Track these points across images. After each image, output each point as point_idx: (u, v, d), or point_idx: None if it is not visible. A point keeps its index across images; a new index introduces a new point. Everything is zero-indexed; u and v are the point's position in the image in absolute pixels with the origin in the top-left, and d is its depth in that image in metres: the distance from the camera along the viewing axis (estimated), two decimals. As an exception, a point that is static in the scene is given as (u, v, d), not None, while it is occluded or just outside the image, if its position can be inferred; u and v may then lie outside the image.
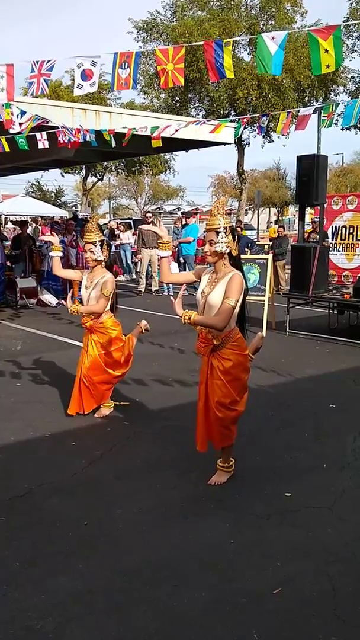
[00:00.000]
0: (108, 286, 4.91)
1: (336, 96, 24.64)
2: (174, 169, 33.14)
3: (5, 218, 24.61)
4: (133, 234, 16.82)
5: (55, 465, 4.20)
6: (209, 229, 3.62)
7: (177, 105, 24.75)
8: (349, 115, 7.74)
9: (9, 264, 12.34)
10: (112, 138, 8.59)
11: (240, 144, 25.10)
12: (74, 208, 38.74)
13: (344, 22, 20.81)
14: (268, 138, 25.47)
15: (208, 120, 11.78)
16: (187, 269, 13.63)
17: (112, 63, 5.77)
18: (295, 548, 3.15)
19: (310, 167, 8.83)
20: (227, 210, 4.18)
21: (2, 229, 17.32)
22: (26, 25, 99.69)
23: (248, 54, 23.74)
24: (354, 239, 9.68)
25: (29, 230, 14.99)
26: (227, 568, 2.98)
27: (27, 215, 23.55)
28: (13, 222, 23.38)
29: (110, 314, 5.10)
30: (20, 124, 7.47)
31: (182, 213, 26.08)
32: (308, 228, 13.87)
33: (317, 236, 12.19)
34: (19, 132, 7.62)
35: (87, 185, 35.57)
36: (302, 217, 10.06)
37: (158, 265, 9.70)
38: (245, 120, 11.54)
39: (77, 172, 34.01)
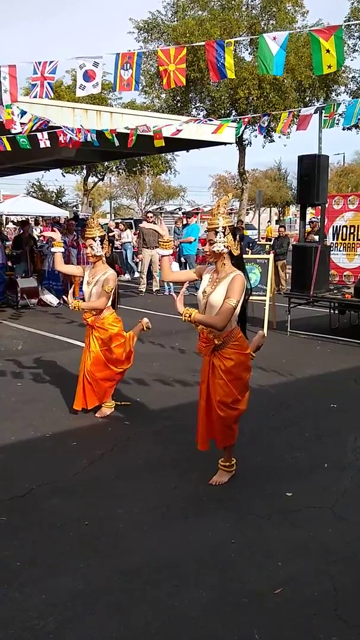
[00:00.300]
0: (110, 283, 4.92)
1: (337, 96, 24.65)
2: (175, 168, 33.22)
3: (7, 218, 24.62)
4: (134, 234, 16.82)
5: (56, 465, 4.20)
6: (209, 228, 3.64)
7: (178, 105, 24.75)
8: (350, 115, 7.74)
9: (10, 264, 12.36)
10: (115, 137, 8.59)
11: (241, 143, 25.10)
12: (74, 208, 38.73)
13: (345, 22, 20.82)
14: (269, 138, 25.48)
15: (209, 120, 11.77)
16: (187, 269, 13.62)
17: (114, 64, 5.77)
18: (296, 548, 3.15)
19: (312, 166, 8.83)
20: (229, 210, 4.18)
21: (3, 229, 17.32)
22: (26, 25, 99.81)
23: (249, 53, 23.76)
24: (355, 239, 9.68)
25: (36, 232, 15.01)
26: (228, 568, 2.98)
27: (28, 216, 23.57)
28: (14, 223, 23.40)
29: (112, 310, 5.11)
30: (22, 124, 7.47)
31: (183, 213, 26.11)
32: (307, 228, 13.86)
33: (314, 236, 12.22)
34: (20, 132, 7.63)
35: (87, 185, 35.58)
36: (303, 217, 10.06)
37: (159, 265, 9.72)
38: (246, 120, 11.55)
39: (78, 172, 34.02)
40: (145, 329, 5.37)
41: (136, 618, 2.61)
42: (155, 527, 3.38)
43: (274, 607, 2.68)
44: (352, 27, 22.74)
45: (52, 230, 5.73)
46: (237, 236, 3.69)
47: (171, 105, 24.63)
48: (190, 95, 24.68)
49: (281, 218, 48.52)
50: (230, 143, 12.45)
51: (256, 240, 21.01)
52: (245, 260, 3.94)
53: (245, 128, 22.01)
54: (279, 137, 24.78)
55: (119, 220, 23.54)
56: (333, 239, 9.94)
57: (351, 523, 3.41)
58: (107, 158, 18.03)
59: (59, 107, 9.46)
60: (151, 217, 14.72)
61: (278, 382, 6.27)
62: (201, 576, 2.92)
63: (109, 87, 16.96)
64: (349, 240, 9.76)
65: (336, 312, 9.36)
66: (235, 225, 3.70)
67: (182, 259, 14.37)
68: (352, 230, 9.71)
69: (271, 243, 14.40)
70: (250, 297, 3.88)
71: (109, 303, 5.03)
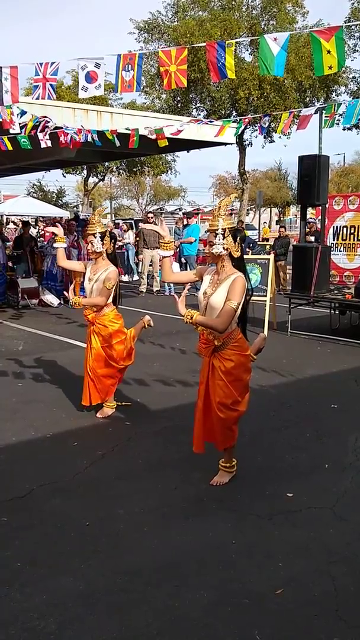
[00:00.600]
0: (111, 280, 4.92)
1: (337, 96, 24.65)
2: (176, 169, 33.23)
3: (7, 218, 24.63)
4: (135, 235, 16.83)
5: (56, 466, 4.20)
6: (210, 230, 3.65)
7: (179, 105, 24.75)
8: (350, 114, 7.74)
9: (10, 264, 12.37)
10: (115, 137, 8.59)
11: (241, 144, 25.11)
12: (75, 208, 38.75)
13: (345, 22, 20.82)
14: (269, 138, 25.50)
15: (210, 121, 11.78)
16: (188, 270, 13.64)
17: (115, 65, 5.78)
18: (297, 548, 3.15)
19: (312, 167, 8.83)
20: (229, 211, 4.18)
21: (3, 229, 17.32)
22: (26, 25, 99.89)
23: (249, 54, 23.76)
24: (355, 239, 9.68)
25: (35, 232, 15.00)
26: (229, 568, 2.98)
27: (28, 216, 23.58)
28: (15, 223, 23.42)
29: (113, 307, 5.11)
30: (21, 124, 7.47)
31: (183, 213, 26.11)
32: (304, 229, 13.87)
33: (310, 237, 12.23)
34: (20, 133, 7.63)
35: (88, 185, 35.58)
36: (303, 217, 10.06)
37: (159, 266, 9.72)
38: (246, 120, 11.55)
39: (78, 172, 34.04)
40: (146, 326, 5.37)
41: (137, 618, 2.61)
42: (156, 527, 3.38)
43: (274, 607, 2.68)
44: (353, 27, 22.73)
45: (54, 226, 5.72)
46: (238, 238, 3.68)
47: (172, 106, 24.63)
48: (191, 95, 24.67)
49: (281, 218, 48.54)
50: (231, 143, 12.46)
51: (256, 240, 21.03)
52: (245, 260, 3.94)
53: (246, 128, 22.06)
54: (279, 137, 24.82)
55: (120, 221, 23.52)
56: (333, 239, 9.94)
57: (352, 523, 3.41)
58: (108, 158, 18.04)
59: (59, 107, 9.47)
60: (152, 217, 14.72)
61: (278, 383, 6.27)
62: (202, 577, 2.92)
63: (109, 87, 16.93)
64: (349, 240, 9.76)
65: (337, 312, 9.36)
66: (236, 227, 3.70)
67: (183, 260, 14.37)
68: (352, 231, 9.71)
69: (267, 243, 14.40)
70: (251, 298, 3.88)
71: (110, 300, 5.03)
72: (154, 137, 8.52)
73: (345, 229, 9.81)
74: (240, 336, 3.75)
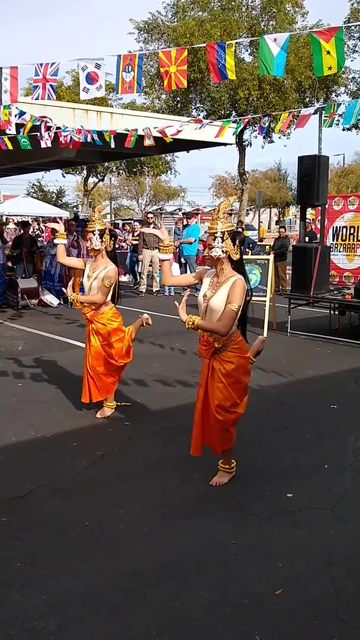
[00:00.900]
0: (110, 277, 4.92)
1: (337, 97, 24.66)
2: (175, 169, 33.24)
3: (7, 219, 24.64)
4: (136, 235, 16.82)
5: (56, 466, 4.20)
6: (209, 232, 3.65)
7: (179, 105, 24.76)
8: (350, 114, 7.75)
9: (10, 264, 12.36)
10: (112, 139, 8.60)
11: (241, 144, 25.10)
12: (75, 209, 38.76)
13: (345, 22, 20.83)
14: (269, 139, 25.50)
15: (210, 121, 11.78)
16: (188, 270, 13.64)
17: (115, 66, 5.78)
18: (297, 549, 3.15)
19: (312, 167, 8.84)
20: (229, 212, 4.18)
21: (4, 229, 17.28)
22: (26, 25, 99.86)
23: (249, 54, 23.76)
24: (355, 240, 9.68)
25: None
26: (229, 569, 2.98)
27: (28, 216, 23.58)
28: (16, 223, 23.39)
29: (111, 305, 5.11)
30: (18, 125, 7.46)
31: (183, 213, 26.13)
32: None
33: (305, 237, 12.22)
34: (18, 133, 7.63)
35: (88, 185, 35.60)
36: (303, 218, 10.07)
37: (159, 266, 9.72)
38: (246, 120, 11.56)
39: (78, 172, 34.06)
40: (145, 324, 5.36)
41: (137, 619, 2.61)
42: (156, 528, 3.38)
43: (274, 608, 2.68)
44: (352, 28, 22.74)
45: (55, 222, 5.70)
46: (237, 240, 3.67)
47: (171, 106, 24.63)
48: (191, 95, 24.68)
49: (281, 219, 48.55)
50: (230, 144, 12.46)
51: (256, 240, 21.03)
52: (245, 261, 3.94)
53: (245, 128, 22.07)
54: (279, 137, 24.86)
55: (120, 222, 23.52)
56: (333, 240, 9.95)
57: (352, 524, 3.41)
58: (108, 159, 18.03)
59: (59, 107, 9.47)
60: (151, 217, 14.71)
61: (278, 383, 6.27)
62: (201, 577, 2.92)
63: (110, 87, 16.94)
64: (349, 240, 9.77)
65: (336, 312, 9.37)
66: (235, 229, 3.69)
67: (182, 260, 14.37)
68: (352, 231, 9.73)
69: (264, 243, 14.40)
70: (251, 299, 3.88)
71: (109, 298, 5.03)
72: (150, 141, 8.51)
73: (344, 229, 9.82)
74: (240, 338, 3.75)
